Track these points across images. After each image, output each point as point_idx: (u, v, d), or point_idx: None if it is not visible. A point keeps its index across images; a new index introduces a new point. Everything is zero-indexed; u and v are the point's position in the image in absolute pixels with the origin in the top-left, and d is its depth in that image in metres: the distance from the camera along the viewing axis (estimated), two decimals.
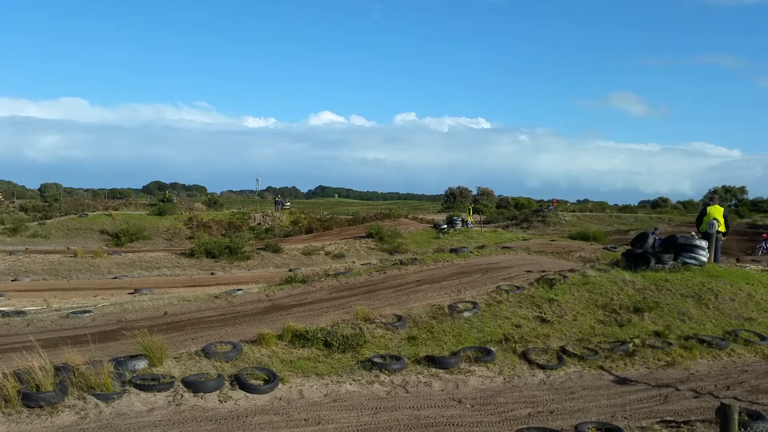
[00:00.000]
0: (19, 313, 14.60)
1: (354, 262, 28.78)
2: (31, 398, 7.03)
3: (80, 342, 9.10)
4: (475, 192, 77.22)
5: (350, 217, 49.33)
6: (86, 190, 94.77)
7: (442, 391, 8.85)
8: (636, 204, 72.43)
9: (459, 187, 78.72)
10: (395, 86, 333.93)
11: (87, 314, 13.45)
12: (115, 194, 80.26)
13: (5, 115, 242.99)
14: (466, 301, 12.26)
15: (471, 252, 19.12)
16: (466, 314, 11.62)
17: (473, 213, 42.35)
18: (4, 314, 14.20)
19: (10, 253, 28.73)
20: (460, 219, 39.29)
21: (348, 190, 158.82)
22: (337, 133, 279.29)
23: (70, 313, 13.86)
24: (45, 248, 32.58)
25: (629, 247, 16.22)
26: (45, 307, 16.63)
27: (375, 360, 9.32)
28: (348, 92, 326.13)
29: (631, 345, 10.54)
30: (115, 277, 25.83)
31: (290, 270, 26.03)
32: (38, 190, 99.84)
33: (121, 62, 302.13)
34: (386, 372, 9.07)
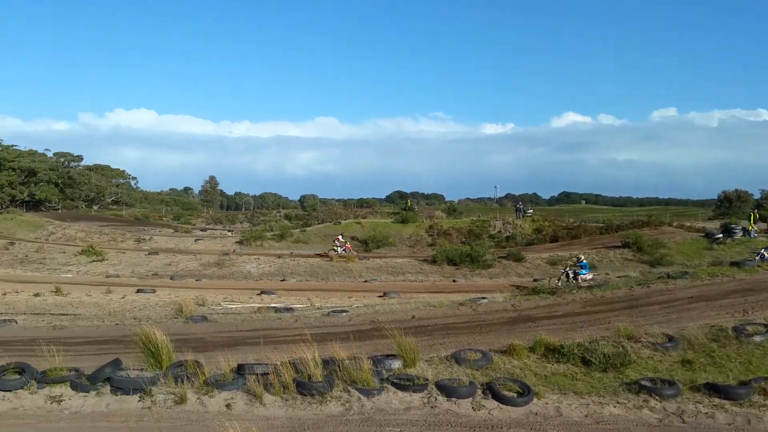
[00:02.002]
0: (288, 309, 16.48)
1: (608, 274, 26.61)
2: (304, 386, 7.65)
3: (340, 338, 9.71)
4: (757, 195, 65.47)
5: (601, 224, 45.51)
6: (338, 200, 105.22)
7: (729, 425, 7.53)
8: None
9: (736, 190, 67.39)
10: (652, 80, 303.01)
11: (344, 314, 14.56)
12: (362, 203, 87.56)
13: (271, 135, 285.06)
14: (756, 324, 10.42)
15: (759, 266, 16.45)
16: (757, 338, 9.92)
17: (757, 220, 35.89)
18: (277, 310, 16.17)
19: (279, 256, 33.05)
20: (740, 227, 33.91)
21: (596, 195, 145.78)
22: (582, 135, 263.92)
23: (330, 311, 15.16)
24: (306, 252, 36.61)
25: None
26: (309, 305, 18.52)
27: (643, 383, 8.33)
28: (595, 91, 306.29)
29: None
30: (366, 281, 27.88)
31: (535, 280, 25.14)
32: (299, 201, 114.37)
33: (363, 81, 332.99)
34: (657, 397, 8.04)
